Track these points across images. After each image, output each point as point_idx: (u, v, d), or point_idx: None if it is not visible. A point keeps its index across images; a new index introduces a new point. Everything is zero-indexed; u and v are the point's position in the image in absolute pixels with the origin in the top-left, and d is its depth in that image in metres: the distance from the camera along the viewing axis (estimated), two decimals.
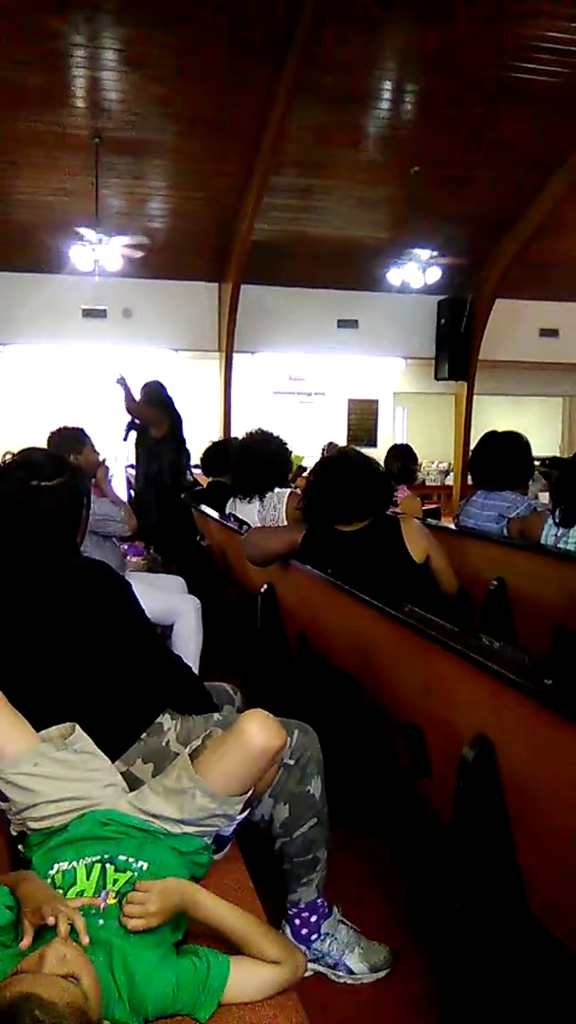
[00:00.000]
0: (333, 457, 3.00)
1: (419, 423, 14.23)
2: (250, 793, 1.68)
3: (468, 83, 8.13)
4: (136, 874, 1.47)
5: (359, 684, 2.37)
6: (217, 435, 10.92)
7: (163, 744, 1.86)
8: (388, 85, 8.48)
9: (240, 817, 1.70)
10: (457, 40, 7.53)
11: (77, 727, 1.72)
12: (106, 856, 1.50)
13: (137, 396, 6.10)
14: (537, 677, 1.49)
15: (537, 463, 5.22)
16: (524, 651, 2.96)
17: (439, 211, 9.86)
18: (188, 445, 6.21)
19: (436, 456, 13.29)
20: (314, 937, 2.00)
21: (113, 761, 1.79)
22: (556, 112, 8.47)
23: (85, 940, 1.27)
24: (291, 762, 1.92)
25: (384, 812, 2.66)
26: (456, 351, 11.80)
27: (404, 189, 9.47)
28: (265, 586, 3.21)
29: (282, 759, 1.98)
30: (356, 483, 2.78)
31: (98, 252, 8.90)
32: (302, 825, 1.93)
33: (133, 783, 1.78)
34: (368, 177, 9.55)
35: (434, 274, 10.03)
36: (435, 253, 9.84)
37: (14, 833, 1.66)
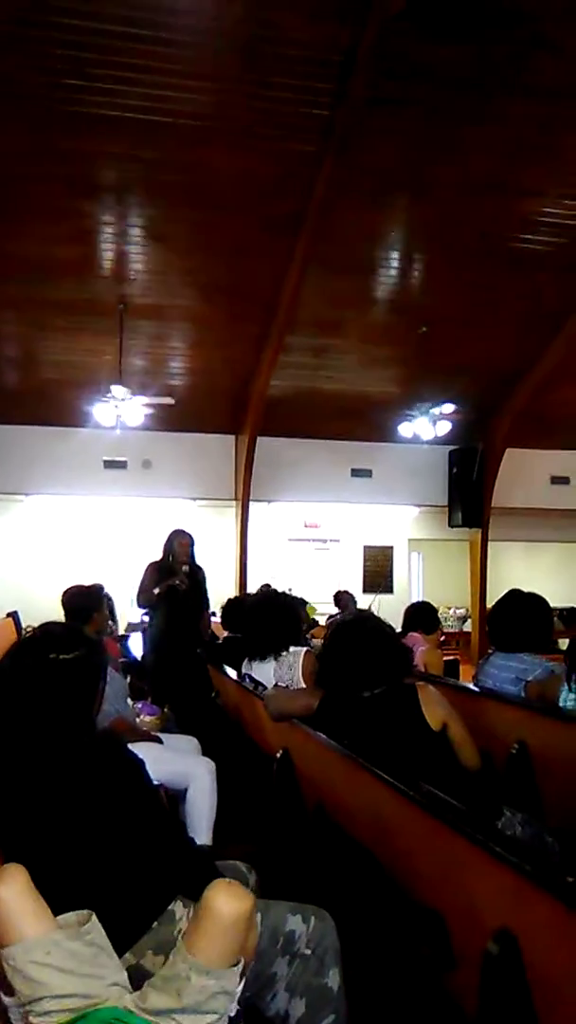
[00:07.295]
0: (348, 622, 2.96)
1: (434, 568, 14.27)
2: (242, 964, 1.59)
3: (469, 252, 8.67)
4: None
5: (377, 862, 2.29)
6: (234, 580, 10.98)
7: (175, 934, 1.77)
8: (395, 255, 9.06)
9: (238, 991, 1.61)
10: (457, 215, 8.11)
11: (94, 916, 1.65)
12: None
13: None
14: (561, 875, 1.44)
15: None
16: (548, 820, 2.87)
17: (447, 366, 10.27)
18: (207, 593, 6.16)
19: (452, 602, 13.24)
20: None
21: (124, 952, 1.71)
22: (556, 272, 8.96)
23: None
24: (308, 952, 1.84)
25: (407, 1004, 2.50)
26: (469, 499, 11.97)
27: (413, 347, 9.89)
28: (281, 751, 3.15)
29: (298, 949, 1.89)
30: (371, 649, 2.74)
31: (120, 408, 9.27)
32: (319, 1022, 1.83)
33: (143, 977, 1.68)
34: (378, 337, 10.04)
35: (444, 426, 10.33)
36: (445, 407, 10.16)
37: None
